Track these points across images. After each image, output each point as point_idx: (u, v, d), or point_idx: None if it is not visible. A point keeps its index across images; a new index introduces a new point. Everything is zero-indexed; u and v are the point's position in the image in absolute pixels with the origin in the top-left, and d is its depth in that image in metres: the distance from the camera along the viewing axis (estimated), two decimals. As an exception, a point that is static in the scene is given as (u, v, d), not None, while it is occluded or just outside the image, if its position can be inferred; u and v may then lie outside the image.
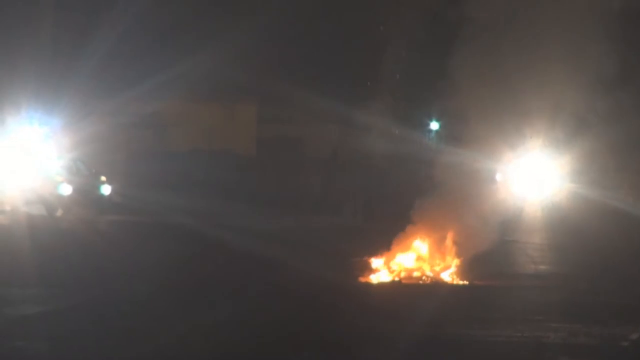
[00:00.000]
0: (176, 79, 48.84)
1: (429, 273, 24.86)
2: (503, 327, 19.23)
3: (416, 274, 24.83)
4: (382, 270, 24.94)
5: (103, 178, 41.85)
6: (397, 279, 24.58)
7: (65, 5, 45.80)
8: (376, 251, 25.50)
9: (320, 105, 53.14)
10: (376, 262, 25.17)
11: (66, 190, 39.03)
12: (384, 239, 25.65)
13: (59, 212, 37.56)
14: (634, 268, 25.23)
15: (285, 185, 48.85)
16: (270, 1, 51.09)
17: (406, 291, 23.67)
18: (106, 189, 41.53)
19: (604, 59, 24.12)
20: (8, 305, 19.92)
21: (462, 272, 24.75)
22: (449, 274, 24.76)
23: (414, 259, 25.20)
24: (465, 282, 24.34)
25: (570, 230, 28.02)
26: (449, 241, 25.20)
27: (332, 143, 55.65)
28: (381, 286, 24.16)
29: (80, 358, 16.17)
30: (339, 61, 54.75)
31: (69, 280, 23.58)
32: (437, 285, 24.28)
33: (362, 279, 24.44)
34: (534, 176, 27.87)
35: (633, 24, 24.72)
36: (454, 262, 25.04)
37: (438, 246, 25.24)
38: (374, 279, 24.57)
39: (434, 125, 33.36)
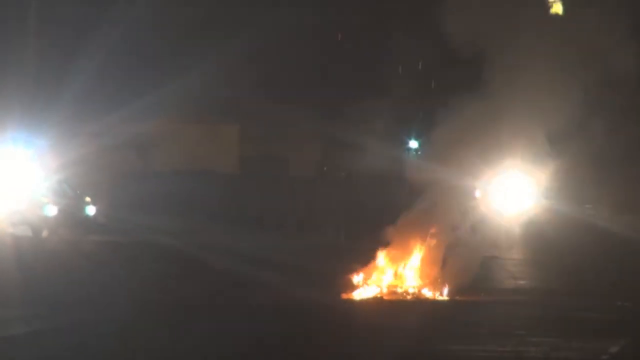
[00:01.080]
0: (160, 100, 48.92)
1: (410, 289, 24.82)
2: (485, 342, 19.22)
3: (398, 290, 24.80)
4: (364, 287, 24.90)
5: (88, 199, 41.83)
6: (379, 295, 24.53)
7: (51, 27, 45.73)
8: (358, 268, 25.44)
9: (304, 125, 53.26)
10: (358, 278, 25.10)
11: (52, 211, 39.02)
12: (366, 256, 25.60)
13: (45, 233, 37.54)
14: (610, 283, 25.26)
15: (268, 203, 48.77)
16: (253, 23, 51.07)
17: (388, 307, 23.67)
18: (91, 210, 41.49)
19: (574, 89, 24.32)
20: None
21: (444, 287, 24.72)
22: (431, 290, 24.70)
23: (395, 276, 25.18)
24: (447, 298, 24.31)
25: (548, 246, 28.17)
26: (429, 258, 25.20)
27: (316, 161, 55.81)
28: (363, 303, 24.10)
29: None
30: (322, 82, 54.84)
31: (53, 301, 23.40)
32: (419, 301, 24.25)
33: (345, 296, 24.39)
34: (512, 193, 27.85)
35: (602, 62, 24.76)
36: (435, 278, 25.02)
37: (419, 262, 25.23)
38: (356, 295, 24.50)
39: (414, 144, 33.33)
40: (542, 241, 29.17)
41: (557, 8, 27.44)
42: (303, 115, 52.39)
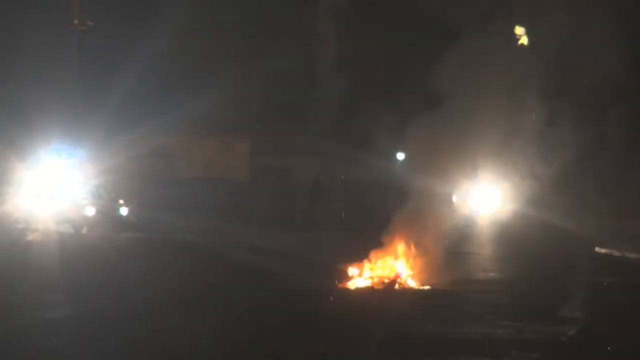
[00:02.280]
0: (182, 118, 48.96)
1: (397, 279, 24.85)
2: (460, 325, 19.16)
3: (386, 280, 24.81)
4: (357, 278, 24.92)
5: (121, 201, 41.87)
6: (370, 285, 24.54)
7: (90, 56, 45.75)
8: (353, 261, 25.45)
9: (305, 141, 53.37)
10: (353, 270, 25.12)
11: (90, 211, 39.08)
12: (360, 252, 25.62)
13: (84, 230, 37.58)
14: (569, 275, 25.29)
15: (275, 206, 48.83)
16: (262, 56, 51.14)
17: (378, 295, 23.60)
18: (123, 211, 41.52)
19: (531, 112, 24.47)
20: (42, 309, 19.93)
21: (425, 278, 24.73)
22: (414, 281, 24.72)
23: (384, 268, 25.20)
24: (428, 287, 24.28)
25: (515, 244, 28.05)
26: (414, 253, 25.23)
27: (315, 172, 55.74)
28: (357, 291, 24.08)
29: (100, 355, 16.17)
30: (321, 104, 54.86)
31: (92, 288, 23.53)
32: (404, 290, 24.21)
33: (341, 285, 24.40)
34: (484, 198, 27.92)
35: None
36: (418, 271, 25.03)
37: (405, 257, 25.25)
38: (351, 285, 24.52)
39: (400, 156, 33.38)
40: (510, 240, 29.17)
41: (524, 40, 27.50)
42: (303, 132, 52.57)
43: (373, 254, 25.32)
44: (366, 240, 25.89)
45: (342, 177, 53.55)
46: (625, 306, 21.05)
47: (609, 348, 16.89)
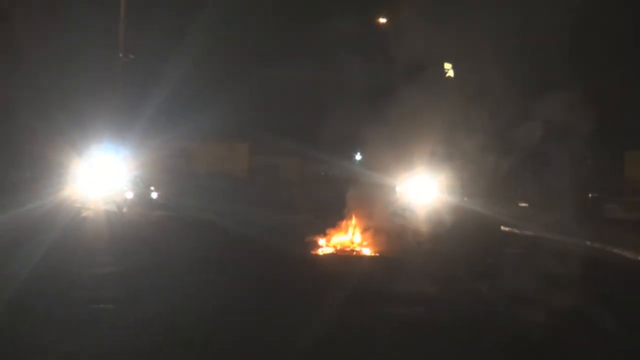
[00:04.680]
0: (199, 126, 49.05)
1: (354, 248, 25.01)
2: (403, 283, 19.27)
3: (347, 249, 24.97)
4: (325, 247, 25.12)
5: (152, 188, 41.91)
6: (334, 252, 24.77)
7: (131, 79, 45.78)
8: (322, 235, 25.64)
9: (291, 145, 53.32)
10: (321, 241, 25.33)
11: (129, 195, 39.14)
12: (327, 228, 25.81)
13: (125, 209, 37.58)
14: (480, 246, 25.37)
15: (267, 195, 48.85)
16: (260, 77, 51.10)
17: (340, 260, 23.73)
18: (154, 195, 41.57)
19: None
20: (94, 267, 20.06)
21: (375, 248, 24.91)
22: (368, 249, 24.91)
23: (345, 239, 25.36)
24: (378, 254, 24.46)
25: (442, 225, 27.73)
26: (367, 229, 25.39)
27: (298, 169, 55.77)
28: (324, 257, 24.25)
29: (138, 298, 16.49)
30: (304, 115, 54.85)
31: (130, 252, 23.65)
32: (359, 256, 24.37)
33: (313, 252, 24.59)
34: (420, 189, 27.93)
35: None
36: (370, 242, 25.20)
37: (360, 232, 25.41)
38: (320, 251, 24.72)
39: (358, 156, 33.37)
40: (440, 222, 29.00)
41: (450, 73, 27.50)
42: (289, 138, 52.61)
43: (337, 229, 25.53)
44: (332, 220, 25.95)
45: (323, 173, 53.57)
46: (518, 265, 21.13)
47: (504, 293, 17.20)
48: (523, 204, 36.53)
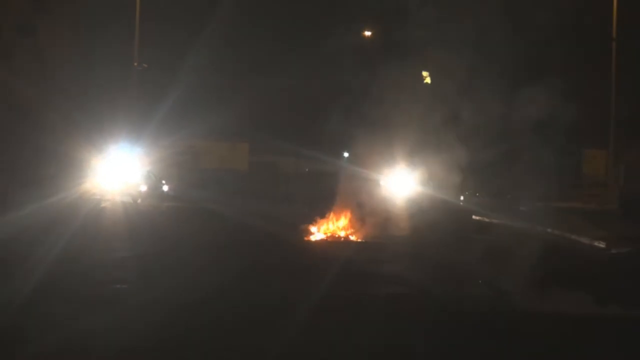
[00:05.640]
0: (205, 128, 49.03)
1: (342, 234, 25.18)
2: (386, 264, 19.59)
3: (335, 235, 25.15)
4: (316, 233, 25.30)
5: (163, 181, 41.98)
6: (324, 238, 24.96)
7: (144, 85, 45.83)
8: (314, 223, 25.79)
9: (287, 144, 53.36)
10: (313, 228, 25.50)
11: (143, 188, 39.22)
12: (319, 217, 25.97)
13: (139, 201, 37.67)
14: (452, 232, 25.40)
15: (266, 189, 48.89)
16: (259, 84, 51.13)
17: (330, 245, 23.95)
18: (165, 188, 41.66)
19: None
20: (112, 251, 20.25)
21: (361, 234, 25.07)
22: (354, 235, 25.09)
23: (334, 227, 25.51)
24: (363, 240, 24.65)
25: (421, 215, 27.65)
26: (353, 218, 25.53)
27: (293, 166, 55.80)
28: (316, 242, 24.48)
29: (151, 279, 16.65)
30: (299, 118, 54.96)
31: (145, 238, 23.84)
32: (347, 241, 24.59)
33: (306, 238, 24.81)
34: (401, 182, 27.99)
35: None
36: (357, 229, 25.34)
37: (347, 220, 25.55)
38: (312, 237, 24.94)
39: (346, 154, 33.36)
40: (419, 212, 28.98)
41: (428, 80, 27.47)
42: (285, 139, 52.67)
43: (327, 218, 25.70)
44: (323, 210, 26.12)
45: (307, 169, 53.57)
46: (484, 248, 21.24)
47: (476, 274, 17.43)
48: (492, 196, 36.49)
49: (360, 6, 36.42)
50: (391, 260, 20.32)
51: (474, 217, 31.15)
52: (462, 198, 32.48)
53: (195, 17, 49.43)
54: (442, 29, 24.74)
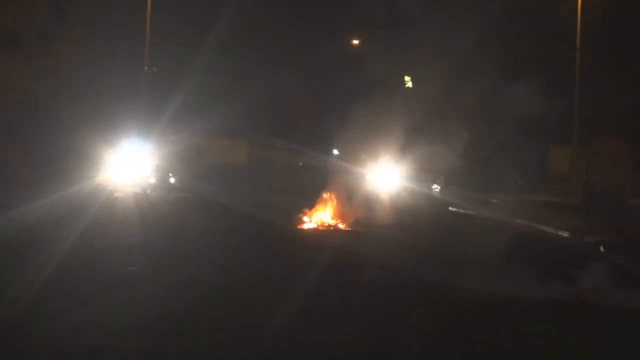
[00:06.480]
0: (208, 126, 49.04)
1: (332, 223, 25.26)
2: (372, 251, 19.70)
3: (325, 224, 25.22)
4: (308, 222, 25.38)
5: (170, 174, 41.87)
6: (316, 226, 25.03)
7: (154, 87, 45.75)
8: (306, 212, 25.88)
9: (283, 141, 53.35)
10: (305, 218, 25.58)
11: (152, 180, 39.20)
12: (311, 207, 25.98)
13: (148, 192, 37.52)
14: (430, 222, 25.53)
15: (264, 181, 48.74)
16: (259, 83, 51.03)
17: (320, 233, 24.00)
18: (172, 180, 41.58)
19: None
20: (124, 237, 20.38)
21: (349, 224, 25.16)
22: (342, 225, 25.15)
23: (324, 216, 25.56)
24: (351, 229, 24.70)
25: (402, 205, 27.63)
26: (341, 208, 25.59)
27: (289, 161, 55.76)
28: (308, 230, 24.54)
29: (158, 262, 16.80)
30: (295, 117, 55.00)
31: (154, 224, 23.92)
32: (336, 230, 24.61)
33: (299, 226, 24.87)
34: (385, 176, 28.05)
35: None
36: (344, 219, 25.42)
37: (336, 210, 25.60)
38: (304, 226, 24.98)
39: (335, 151, 33.34)
40: (402, 203, 29.00)
41: (409, 84, 27.61)
42: (282, 135, 52.64)
43: (317, 209, 25.77)
44: (315, 201, 26.10)
45: (300, 163, 53.55)
46: (459, 237, 21.42)
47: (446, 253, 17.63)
48: (467, 189, 36.54)
49: (352, 14, 36.60)
50: (377, 247, 20.37)
51: (450, 208, 31.30)
52: (437, 188, 32.58)
53: (200, 21, 49.55)
54: (420, 30, 24.83)
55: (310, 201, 26.38)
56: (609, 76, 42.12)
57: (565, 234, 24.74)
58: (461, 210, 30.91)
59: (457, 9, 25.04)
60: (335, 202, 25.65)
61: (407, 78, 27.37)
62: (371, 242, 21.63)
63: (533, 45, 35.71)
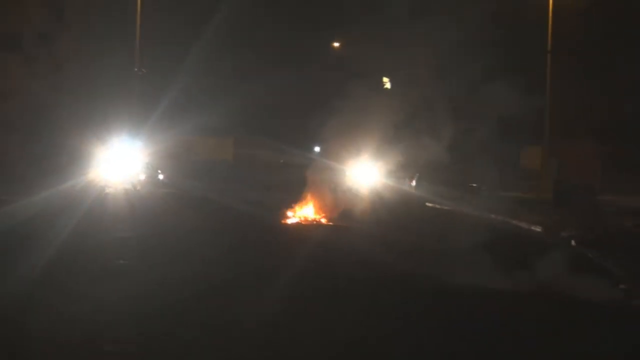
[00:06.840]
0: (196, 125, 49.10)
1: (315, 218, 25.32)
2: (353, 243, 19.81)
3: (309, 219, 25.28)
4: (292, 217, 25.44)
5: (159, 171, 41.88)
6: (299, 221, 25.08)
7: (144, 87, 45.55)
8: (290, 208, 25.94)
9: (266, 139, 53.46)
10: (290, 213, 25.63)
11: (142, 177, 39.20)
12: (294, 202, 26.04)
13: (138, 188, 37.52)
14: (408, 216, 25.62)
15: (248, 177, 48.75)
16: (244, 88, 51.07)
17: (304, 227, 24.06)
18: (161, 177, 41.59)
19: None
20: (115, 232, 20.35)
21: (330, 218, 25.24)
22: (324, 219, 25.23)
23: (307, 212, 25.62)
24: (332, 223, 24.77)
25: (381, 201, 27.36)
26: (323, 204, 25.62)
27: (270, 158, 55.89)
28: (292, 224, 24.59)
29: (147, 255, 16.83)
30: (278, 116, 55.07)
31: (144, 220, 23.92)
32: (319, 225, 24.68)
33: (283, 221, 24.93)
34: (364, 172, 28.02)
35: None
36: (326, 214, 25.48)
37: (319, 206, 25.63)
38: (289, 221, 25.04)
39: (317, 149, 33.18)
40: (379, 199, 28.92)
41: (387, 85, 27.53)
42: (265, 134, 52.81)
43: (300, 204, 25.79)
44: (296, 196, 26.12)
45: (282, 161, 53.61)
46: (434, 230, 21.53)
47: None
48: (444, 185, 36.60)
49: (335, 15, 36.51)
50: (356, 241, 20.34)
51: (427, 204, 31.43)
52: (414, 185, 32.64)
53: (192, 21, 49.55)
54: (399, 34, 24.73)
55: (293, 197, 26.36)
56: (584, 76, 42.16)
57: (538, 229, 24.91)
58: (437, 206, 31.03)
59: (441, 10, 24.91)
60: (317, 198, 25.65)
61: (385, 79, 27.29)
62: (353, 237, 21.59)
63: (509, 49, 35.62)
